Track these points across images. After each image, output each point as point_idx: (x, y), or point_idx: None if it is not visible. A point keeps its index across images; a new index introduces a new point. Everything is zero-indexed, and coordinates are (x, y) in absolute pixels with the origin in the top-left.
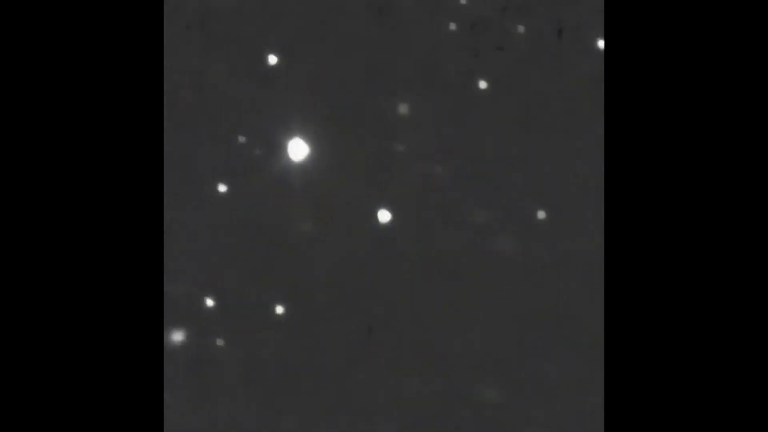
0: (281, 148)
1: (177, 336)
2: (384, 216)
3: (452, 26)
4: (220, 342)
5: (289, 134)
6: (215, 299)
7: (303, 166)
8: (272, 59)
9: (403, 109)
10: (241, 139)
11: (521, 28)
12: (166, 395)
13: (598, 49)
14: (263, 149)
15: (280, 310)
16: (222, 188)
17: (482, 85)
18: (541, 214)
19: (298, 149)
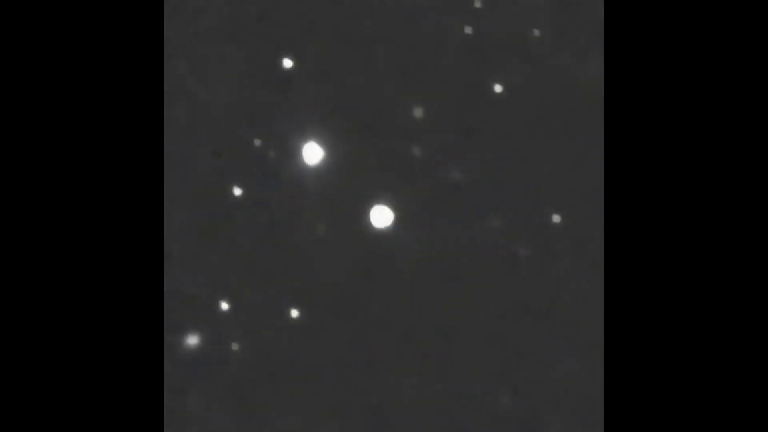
0: (296, 152)
1: (192, 339)
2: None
3: (467, 30)
4: (235, 346)
5: (304, 138)
6: (230, 302)
7: (317, 170)
8: (287, 62)
9: (418, 112)
10: (257, 142)
11: (536, 32)
12: (181, 398)
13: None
14: (278, 153)
15: (295, 313)
16: (237, 191)
17: (497, 88)
18: (556, 218)
19: (312, 153)
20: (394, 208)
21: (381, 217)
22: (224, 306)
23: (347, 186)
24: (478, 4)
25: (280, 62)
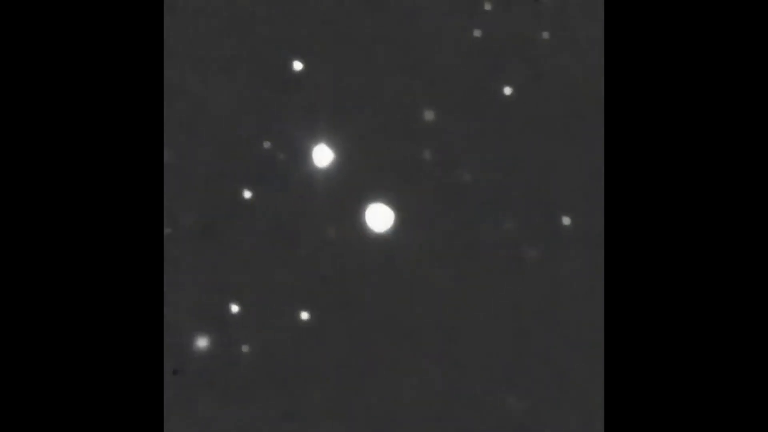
0: (306, 154)
1: (201, 342)
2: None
3: (476, 33)
4: (245, 348)
5: (314, 140)
6: (240, 305)
7: (327, 172)
8: (297, 65)
9: (428, 115)
10: (266, 144)
11: (545, 35)
12: (190, 400)
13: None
14: (288, 155)
15: (305, 315)
16: (247, 194)
17: (507, 91)
18: (566, 220)
19: (322, 155)
20: (404, 210)
21: (385, 218)
22: (234, 308)
23: (357, 188)
24: (487, 7)
25: (291, 64)
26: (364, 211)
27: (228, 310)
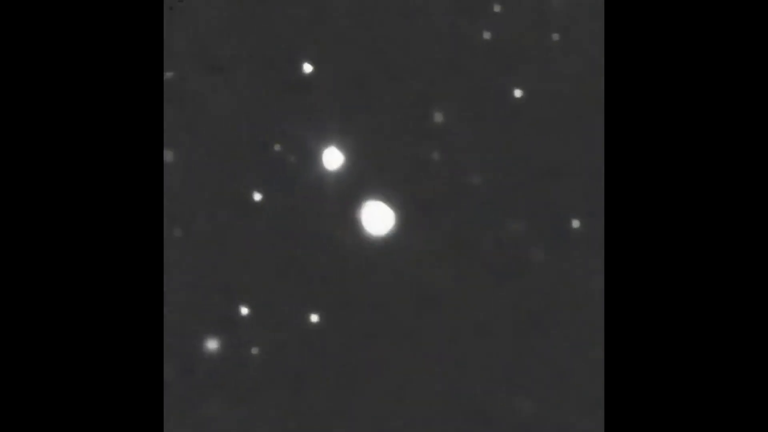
0: (316, 157)
1: (211, 344)
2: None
3: (486, 35)
4: (254, 350)
5: (325, 142)
6: (249, 307)
7: (337, 175)
8: (307, 67)
9: (438, 117)
10: (277, 147)
11: (555, 36)
12: (200, 403)
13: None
14: (298, 157)
15: (314, 318)
16: (257, 196)
17: (517, 93)
18: (575, 223)
19: (332, 158)
20: (414, 211)
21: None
22: (244, 311)
23: (366, 189)
24: (496, 9)
25: (301, 66)
26: (373, 212)
27: (237, 312)
